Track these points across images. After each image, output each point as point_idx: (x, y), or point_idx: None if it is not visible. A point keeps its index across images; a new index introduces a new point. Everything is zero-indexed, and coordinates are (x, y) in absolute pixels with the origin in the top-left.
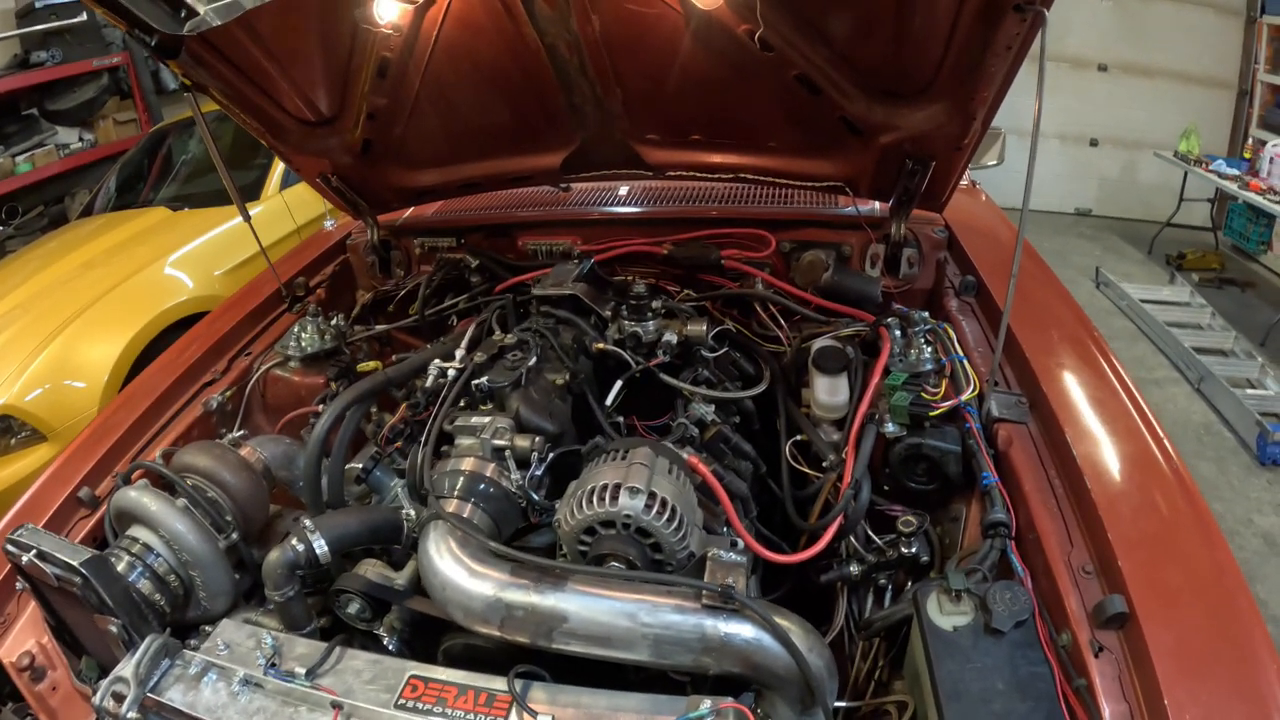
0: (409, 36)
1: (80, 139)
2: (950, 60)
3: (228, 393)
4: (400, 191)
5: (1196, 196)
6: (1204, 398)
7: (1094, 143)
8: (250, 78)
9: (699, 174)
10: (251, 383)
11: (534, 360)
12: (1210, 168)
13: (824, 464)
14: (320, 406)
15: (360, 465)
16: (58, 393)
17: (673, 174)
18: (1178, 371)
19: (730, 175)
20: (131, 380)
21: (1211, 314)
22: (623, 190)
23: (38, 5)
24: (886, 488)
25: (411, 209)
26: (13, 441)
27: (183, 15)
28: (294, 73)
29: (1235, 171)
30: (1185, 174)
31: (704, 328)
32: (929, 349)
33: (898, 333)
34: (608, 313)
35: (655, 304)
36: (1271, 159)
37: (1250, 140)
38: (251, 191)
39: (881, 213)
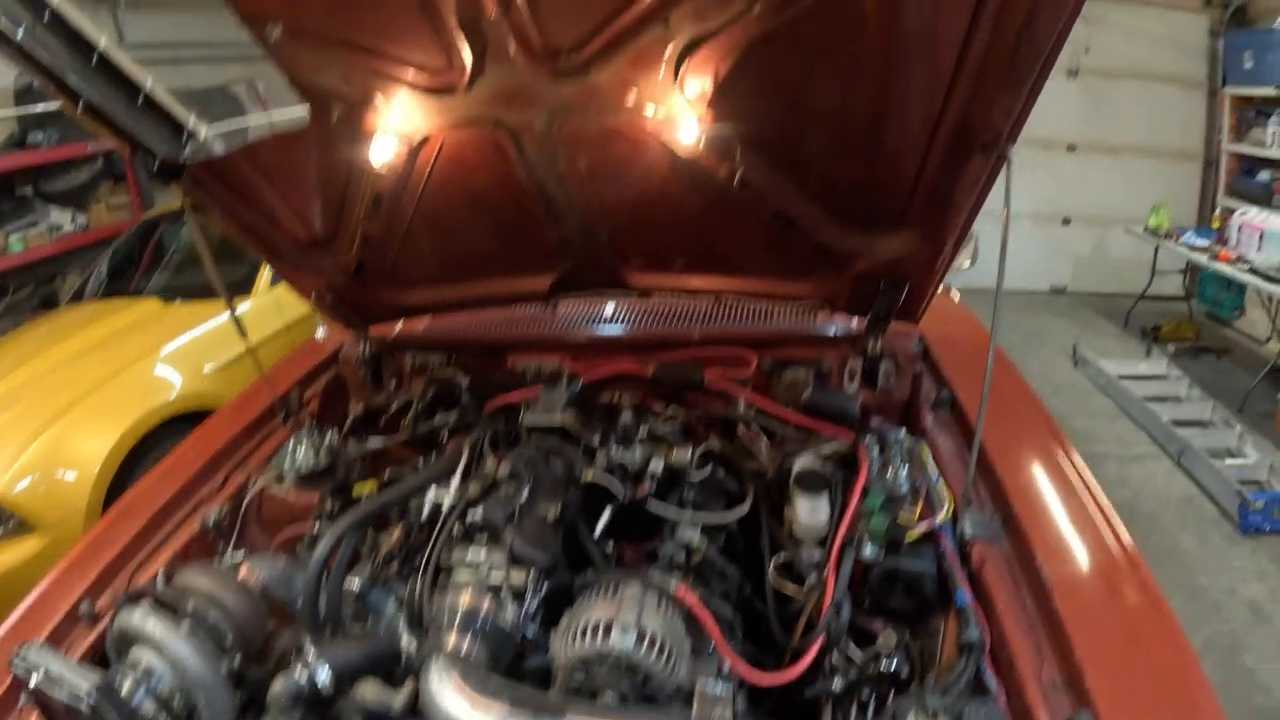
0: (403, 173)
1: (73, 221)
2: (920, 195)
3: (224, 509)
4: (393, 309)
5: (1169, 269)
6: (1185, 471)
7: (1066, 221)
8: (249, 200)
9: (682, 294)
10: (247, 500)
11: (526, 494)
12: (1180, 240)
13: (806, 584)
14: (316, 526)
15: (357, 587)
16: (48, 484)
17: (657, 294)
18: (1158, 446)
19: (712, 295)
20: (121, 476)
21: (1189, 384)
22: (609, 309)
23: (36, 85)
24: (866, 604)
25: (403, 322)
26: (0, 532)
27: (184, 141)
28: (292, 198)
29: (1204, 242)
30: (1156, 248)
31: (688, 454)
32: (905, 470)
33: (876, 450)
34: (596, 440)
35: (641, 431)
36: (1239, 227)
37: (1219, 209)
38: (242, 287)
39: (859, 329)
